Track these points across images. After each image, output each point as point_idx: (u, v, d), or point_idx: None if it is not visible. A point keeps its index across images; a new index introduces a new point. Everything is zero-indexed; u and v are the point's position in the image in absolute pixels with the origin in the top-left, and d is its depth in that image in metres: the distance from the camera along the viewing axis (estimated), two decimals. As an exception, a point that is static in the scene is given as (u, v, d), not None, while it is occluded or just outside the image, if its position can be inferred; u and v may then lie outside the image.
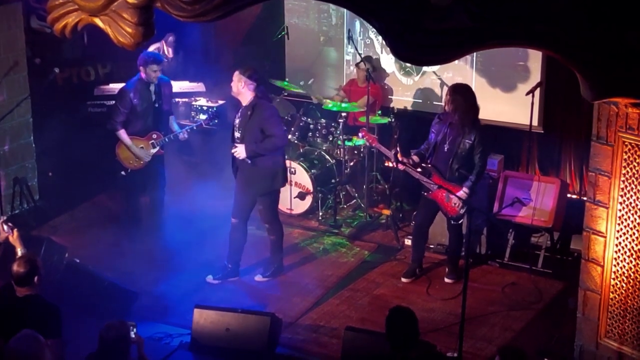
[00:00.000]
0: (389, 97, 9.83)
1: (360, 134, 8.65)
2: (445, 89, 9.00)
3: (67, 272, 7.24)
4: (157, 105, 8.41)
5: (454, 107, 7.51)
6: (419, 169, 7.75)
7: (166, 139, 8.47)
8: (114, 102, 8.57)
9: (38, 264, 5.66)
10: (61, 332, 5.59)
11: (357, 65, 9.65)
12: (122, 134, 8.32)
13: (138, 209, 8.62)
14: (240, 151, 7.59)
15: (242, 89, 7.54)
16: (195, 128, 8.73)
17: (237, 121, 7.70)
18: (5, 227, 6.20)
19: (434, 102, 9.55)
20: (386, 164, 9.49)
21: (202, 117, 9.74)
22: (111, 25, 5.45)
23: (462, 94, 7.55)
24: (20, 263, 5.61)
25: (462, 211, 7.60)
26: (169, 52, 9.95)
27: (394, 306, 5.37)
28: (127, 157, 8.41)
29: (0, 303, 5.67)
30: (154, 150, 8.44)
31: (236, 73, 7.56)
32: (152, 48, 9.80)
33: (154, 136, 8.44)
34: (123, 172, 8.47)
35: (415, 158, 7.80)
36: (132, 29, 5.39)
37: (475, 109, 7.62)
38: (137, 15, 5.34)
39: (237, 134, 7.70)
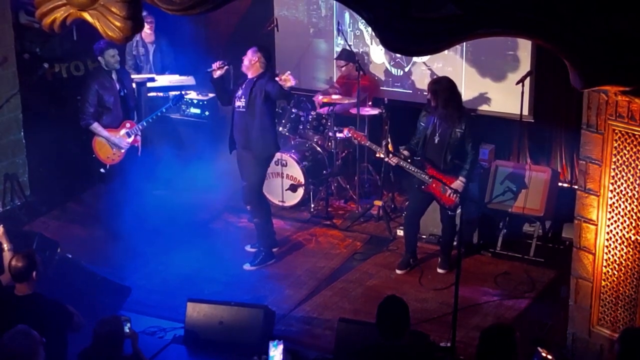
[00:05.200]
0: (380, 88, 9.84)
1: (347, 133, 8.64)
2: (436, 79, 9.03)
3: (59, 267, 7.21)
4: (122, 93, 8.38)
5: (436, 102, 7.53)
6: (409, 161, 7.76)
7: (140, 126, 8.45)
8: (79, 97, 8.51)
9: (36, 259, 5.67)
10: (72, 324, 5.65)
11: (338, 66, 9.71)
12: (97, 126, 8.26)
13: (122, 204, 8.56)
14: (289, 77, 7.77)
15: (254, 64, 7.79)
16: (164, 110, 8.68)
17: (240, 92, 7.91)
18: None
19: (425, 93, 9.50)
20: (377, 156, 9.48)
21: (194, 110, 9.74)
22: (100, 19, 5.43)
23: (441, 85, 7.57)
24: (19, 258, 5.62)
25: (458, 201, 7.61)
26: (149, 27, 9.70)
27: (387, 295, 5.38)
28: (105, 152, 8.37)
29: None
30: (130, 139, 8.41)
31: (254, 49, 7.82)
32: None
33: (128, 125, 8.41)
34: (102, 170, 8.45)
35: (406, 153, 7.81)
36: (121, 22, 5.38)
37: (457, 96, 7.63)
38: (126, 8, 5.34)
39: (239, 103, 7.89)
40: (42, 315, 5.49)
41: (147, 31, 9.75)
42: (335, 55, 9.91)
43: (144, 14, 9.45)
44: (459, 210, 7.69)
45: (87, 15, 5.49)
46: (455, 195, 7.56)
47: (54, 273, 7.16)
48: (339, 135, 9.19)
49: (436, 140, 7.63)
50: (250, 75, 7.85)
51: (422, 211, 8.01)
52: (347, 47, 9.65)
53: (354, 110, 9.15)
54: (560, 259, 7.82)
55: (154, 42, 9.93)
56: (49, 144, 9.18)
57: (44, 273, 5.93)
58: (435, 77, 8.00)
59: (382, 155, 7.92)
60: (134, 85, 8.94)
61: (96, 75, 8.39)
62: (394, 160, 7.78)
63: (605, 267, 6.12)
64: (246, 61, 7.83)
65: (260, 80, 7.79)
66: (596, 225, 6.10)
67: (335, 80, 9.95)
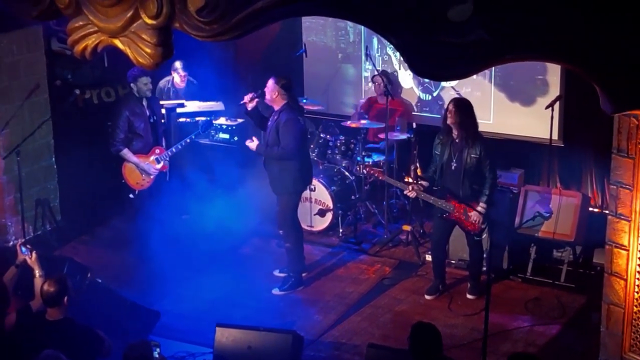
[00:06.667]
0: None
1: (364, 171, 8.64)
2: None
3: (89, 292, 7.26)
4: (152, 120, 8.47)
5: (454, 120, 7.51)
6: (433, 190, 7.76)
7: (169, 152, 8.53)
8: (109, 123, 8.59)
9: (67, 284, 5.71)
10: (102, 350, 5.67)
11: (372, 79, 9.72)
12: (127, 152, 8.37)
13: (151, 229, 8.59)
14: (252, 145, 8.01)
15: (276, 97, 7.80)
16: (194, 137, 8.74)
17: (268, 123, 7.97)
18: (23, 249, 6.25)
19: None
20: (406, 180, 9.48)
21: (223, 135, 9.78)
22: (130, 46, 5.48)
23: (463, 108, 7.55)
24: (51, 283, 5.66)
25: (482, 226, 7.60)
26: (181, 79, 9.71)
27: (418, 321, 5.36)
28: (134, 178, 8.45)
29: (28, 327, 5.71)
30: (159, 166, 8.49)
31: (271, 82, 7.81)
32: (163, 82, 9.73)
33: (157, 151, 8.50)
34: (131, 195, 8.51)
35: (425, 183, 7.82)
36: (151, 49, 5.41)
37: (475, 122, 7.62)
38: (156, 36, 5.37)
39: (267, 137, 7.98)
40: (73, 340, 5.53)
41: (179, 82, 9.77)
42: (369, 78, 9.88)
43: (180, 66, 9.60)
44: (484, 235, 7.68)
45: (118, 42, 5.54)
46: (478, 220, 7.55)
47: (84, 298, 7.21)
48: (367, 160, 9.19)
49: (453, 167, 7.62)
50: (276, 108, 7.88)
51: (446, 238, 8.01)
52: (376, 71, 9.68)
53: (382, 135, 9.16)
54: (591, 285, 7.75)
55: (184, 88, 9.94)
56: (79, 170, 9.26)
57: (75, 298, 5.96)
58: (454, 98, 7.96)
59: (404, 188, 7.97)
60: (163, 111, 9.01)
61: (127, 102, 8.48)
62: (412, 194, 7.80)
63: (637, 292, 6.06)
64: (268, 95, 7.85)
65: (280, 115, 7.80)
66: (628, 250, 6.04)
67: (362, 103, 9.94)
